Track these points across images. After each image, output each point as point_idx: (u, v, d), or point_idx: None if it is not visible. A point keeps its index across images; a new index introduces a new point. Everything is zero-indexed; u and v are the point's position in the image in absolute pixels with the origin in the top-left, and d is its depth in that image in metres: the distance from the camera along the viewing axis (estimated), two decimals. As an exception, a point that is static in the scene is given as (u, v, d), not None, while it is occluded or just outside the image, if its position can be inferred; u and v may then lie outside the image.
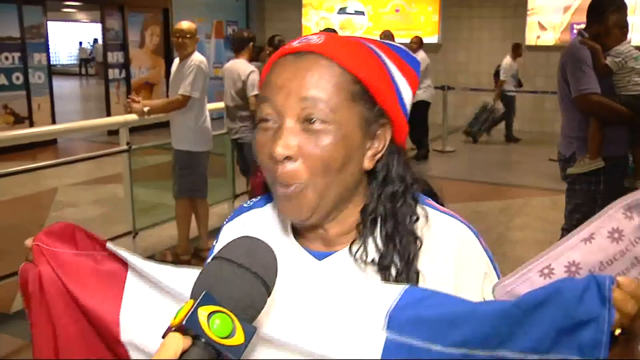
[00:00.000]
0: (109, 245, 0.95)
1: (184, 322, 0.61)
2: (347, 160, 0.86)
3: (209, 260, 0.71)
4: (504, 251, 4.84)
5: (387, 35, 8.30)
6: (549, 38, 11.16)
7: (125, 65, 10.96)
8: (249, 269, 0.68)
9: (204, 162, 4.62)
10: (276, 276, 0.71)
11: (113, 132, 6.73)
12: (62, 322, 0.94)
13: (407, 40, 8.66)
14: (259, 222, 1.01)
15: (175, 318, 0.63)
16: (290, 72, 0.86)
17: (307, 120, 0.84)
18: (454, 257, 0.91)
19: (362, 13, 12.61)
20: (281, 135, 0.84)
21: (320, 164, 0.84)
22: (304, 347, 0.78)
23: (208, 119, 4.64)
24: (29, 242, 0.95)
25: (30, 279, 0.94)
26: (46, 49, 9.68)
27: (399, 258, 0.89)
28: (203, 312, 0.62)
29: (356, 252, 0.90)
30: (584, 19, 3.40)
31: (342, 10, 12.77)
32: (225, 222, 1.06)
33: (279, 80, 0.86)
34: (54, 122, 9.44)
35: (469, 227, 0.95)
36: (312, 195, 0.86)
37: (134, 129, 4.87)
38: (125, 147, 4.61)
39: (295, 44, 0.90)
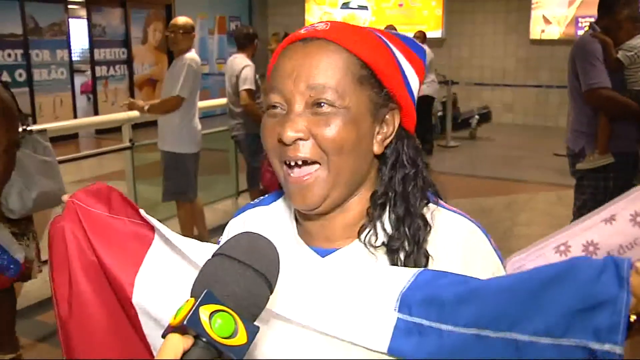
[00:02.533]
0: (142, 211, 0.97)
1: (184, 322, 0.59)
2: (357, 142, 0.86)
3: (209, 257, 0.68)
4: (510, 246, 4.79)
5: (391, 29, 8.26)
6: (554, 32, 11.08)
7: (128, 62, 10.93)
8: (251, 266, 0.66)
9: (190, 164, 4.43)
10: (278, 273, 0.69)
11: (101, 132, 6.73)
12: (78, 278, 0.98)
13: (411, 35, 8.60)
14: (263, 219, 1.01)
15: (175, 317, 0.61)
16: (297, 58, 0.86)
17: (316, 105, 0.84)
18: (461, 256, 0.89)
19: (365, 8, 12.55)
20: (289, 118, 0.84)
21: (332, 144, 0.84)
22: (316, 328, 0.78)
23: (196, 119, 4.46)
24: (65, 197, 0.99)
25: (54, 231, 0.98)
26: (67, 45, 9.78)
27: (408, 242, 0.88)
28: (204, 312, 0.60)
29: (366, 236, 0.90)
30: (590, 12, 3.37)
31: (345, 5, 12.71)
32: (232, 218, 1.07)
33: (286, 68, 0.86)
34: (75, 116, 9.58)
35: (477, 225, 0.93)
36: (325, 181, 0.86)
37: (135, 125, 4.83)
38: (128, 144, 4.58)
39: (302, 31, 0.90)
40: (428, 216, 0.91)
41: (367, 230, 0.90)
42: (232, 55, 5.20)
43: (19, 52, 9.04)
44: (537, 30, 11.17)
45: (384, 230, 0.90)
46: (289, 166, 0.87)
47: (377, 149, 0.90)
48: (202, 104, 5.26)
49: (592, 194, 3.26)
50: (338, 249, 0.92)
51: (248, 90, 4.74)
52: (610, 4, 3.19)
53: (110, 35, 10.65)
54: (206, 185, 5.54)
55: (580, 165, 3.25)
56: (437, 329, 0.74)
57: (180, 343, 0.59)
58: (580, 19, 10.55)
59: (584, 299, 0.67)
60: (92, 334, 0.99)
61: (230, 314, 0.61)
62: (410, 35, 8.57)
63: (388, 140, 0.92)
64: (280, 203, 1.01)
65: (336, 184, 0.87)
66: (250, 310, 0.65)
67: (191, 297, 0.63)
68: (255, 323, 0.65)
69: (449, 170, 7.19)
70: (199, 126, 4.48)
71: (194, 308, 0.60)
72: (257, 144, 4.82)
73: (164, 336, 0.61)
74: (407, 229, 0.89)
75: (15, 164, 2.83)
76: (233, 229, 1.04)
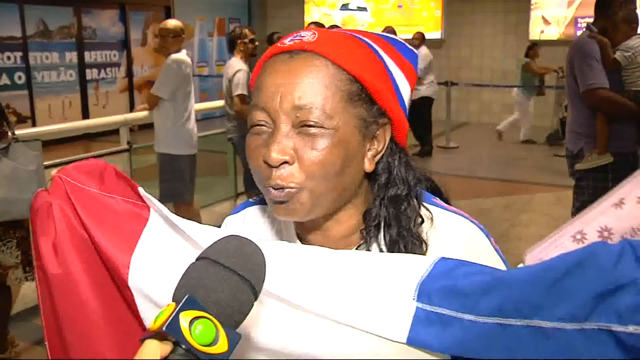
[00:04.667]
0: (141, 189, 0.93)
1: (164, 328, 0.56)
2: (345, 163, 0.82)
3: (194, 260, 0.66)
4: (509, 248, 4.78)
5: (390, 31, 8.24)
6: (553, 32, 11.08)
7: (128, 64, 10.93)
8: (236, 272, 0.63)
9: (186, 166, 4.42)
10: (264, 279, 0.66)
11: (101, 134, 6.74)
12: (67, 257, 0.92)
13: (410, 36, 8.60)
14: (262, 219, 0.99)
15: (155, 322, 0.58)
16: (283, 75, 0.81)
17: (303, 125, 0.80)
18: (463, 257, 0.87)
19: (365, 9, 12.55)
20: (276, 139, 0.80)
21: (317, 167, 0.80)
22: (332, 317, 0.76)
23: (191, 121, 4.43)
24: (53, 172, 0.94)
25: (39, 207, 0.92)
26: (77, 47, 9.83)
27: None
28: (185, 318, 0.57)
29: None
30: (589, 12, 3.37)
31: (344, 7, 12.71)
32: (229, 214, 1.04)
33: (271, 85, 0.82)
34: (85, 118, 9.62)
35: (478, 226, 0.92)
36: (307, 199, 0.82)
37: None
38: (126, 146, 4.57)
39: (287, 41, 0.85)
40: (424, 235, 0.88)
41: (362, 251, 0.88)
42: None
43: (23, 54, 9.06)
44: (537, 30, 11.17)
45: (380, 251, 0.88)
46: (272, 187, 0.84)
47: (368, 166, 0.87)
48: (200, 106, 5.27)
49: (591, 194, 3.25)
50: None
51: (240, 96, 4.72)
52: (606, 4, 3.19)
53: (107, 37, 10.65)
54: (204, 187, 5.54)
55: (579, 166, 3.24)
56: (459, 318, 0.72)
57: (157, 349, 0.56)
58: (579, 20, 10.55)
59: (605, 282, 0.68)
60: (84, 316, 0.93)
61: (212, 321, 0.59)
62: (409, 36, 8.58)
63: (379, 156, 0.88)
64: (257, 209, 0.99)
65: (319, 203, 0.83)
66: (234, 317, 0.62)
67: (173, 301, 0.60)
68: (265, 312, 0.63)
69: (449, 171, 7.18)
70: (195, 128, 4.47)
71: (174, 313, 0.57)
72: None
73: (142, 340, 0.58)
74: (402, 251, 0.87)
75: None
76: (232, 225, 1.02)
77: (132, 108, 9.42)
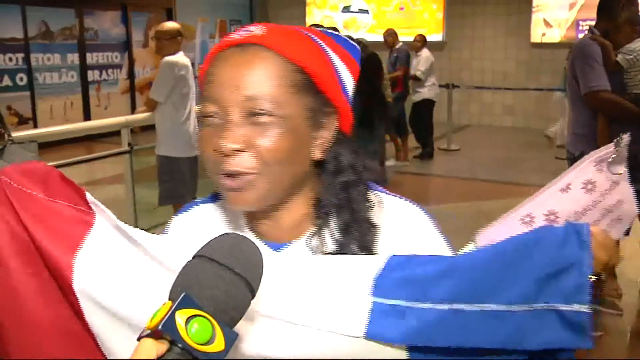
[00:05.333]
0: (88, 195, 0.91)
1: (159, 327, 0.56)
2: (296, 151, 0.85)
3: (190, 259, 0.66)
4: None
5: (391, 33, 8.25)
6: (555, 35, 11.07)
7: (130, 65, 10.94)
8: (232, 269, 0.63)
9: (185, 168, 4.40)
10: (261, 277, 0.66)
11: (103, 135, 6.76)
12: (7, 259, 0.88)
13: (411, 39, 8.60)
14: (211, 216, 1.00)
15: (151, 321, 0.58)
16: (232, 67, 0.84)
17: (254, 115, 0.83)
18: (409, 239, 0.92)
19: (366, 11, 12.56)
20: (228, 129, 0.82)
21: (270, 154, 0.83)
22: (288, 320, 0.77)
23: (190, 122, 4.41)
24: None
25: None
26: (79, 49, 9.85)
27: (358, 247, 0.89)
28: (181, 316, 0.57)
29: (313, 245, 0.90)
30: (590, 15, 3.37)
31: (346, 9, 12.72)
32: (175, 215, 1.05)
33: (221, 77, 0.84)
34: (87, 118, 9.62)
35: (424, 211, 0.96)
36: (262, 185, 0.84)
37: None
38: (127, 147, 4.57)
39: (235, 35, 0.87)
40: (374, 219, 0.92)
41: (314, 238, 0.91)
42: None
43: (25, 55, 9.07)
44: (538, 33, 11.16)
45: (333, 237, 0.91)
46: (226, 175, 0.85)
47: (317, 154, 0.90)
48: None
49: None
50: (290, 243, 0.92)
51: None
52: (609, 7, 3.19)
53: (107, 38, 10.66)
54: (208, 188, 5.53)
55: (580, 169, 3.23)
56: (414, 308, 0.75)
57: (153, 348, 0.56)
58: (580, 22, 10.54)
59: (552, 265, 0.72)
60: (26, 320, 0.90)
61: (208, 319, 0.58)
62: (411, 38, 8.57)
63: (327, 145, 0.91)
64: (215, 206, 1.01)
65: (272, 190, 0.86)
66: (230, 315, 0.62)
67: (169, 299, 0.60)
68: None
69: (450, 173, 7.18)
70: (195, 129, 4.46)
71: (170, 312, 0.57)
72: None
73: (138, 339, 0.58)
74: (355, 235, 0.90)
75: None
76: (179, 225, 1.02)
77: (133, 109, 9.44)
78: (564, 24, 11.00)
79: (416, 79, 8.09)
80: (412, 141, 8.36)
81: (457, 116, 10.32)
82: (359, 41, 6.34)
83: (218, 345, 0.58)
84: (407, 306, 0.75)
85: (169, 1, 11.39)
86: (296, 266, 0.84)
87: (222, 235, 0.68)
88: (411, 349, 0.77)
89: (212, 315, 0.59)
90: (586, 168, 0.97)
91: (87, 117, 9.90)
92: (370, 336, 0.76)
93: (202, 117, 0.86)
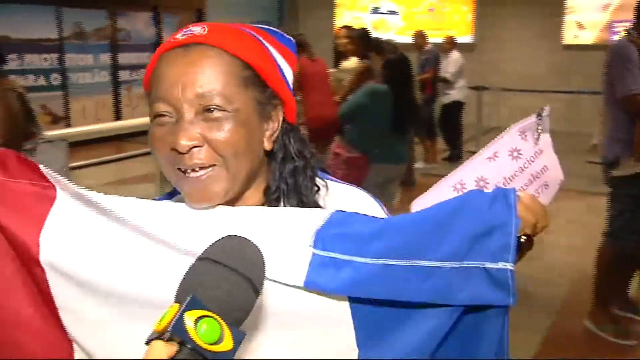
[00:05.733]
0: (42, 167, 0.93)
1: (169, 329, 0.57)
2: (249, 142, 0.89)
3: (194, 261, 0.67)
4: (539, 256, 4.71)
5: (420, 35, 8.20)
6: (588, 37, 10.89)
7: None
8: (237, 270, 0.64)
9: None
10: (264, 277, 0.68)
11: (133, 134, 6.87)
12: None
13: (440, 40, 8.54)
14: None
15: (159, 323, 0.59)
16: (180, 66, 0.86)
17: (206, 111, 0.85)
18: None
19: (395, 12, 12.51)
20: (182, 126, 0.84)
21: (225, 147, 0.86)
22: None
23: None
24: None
25: None
26: (111, 49, 10.00)
27: None
28: (190, 317, 0.58)
29: None
30: (625, 17, 3.31)
31: (375, 10, 12.69)
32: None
33: (170, 76, 0.86)
34: (118, 118, 9.78)
35: (372, 196, 1.01)
36: (224, 179, 0.87)
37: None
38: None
39: (179, 36, 0.89)
40: (321, 202, 0.97)
41: None
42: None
43: (60, 55, 9.25)
44: (570, 35, 11.00)
45: None
46: (184, 172, 0.87)
47: (267, 144, 0.94)
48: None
49: (628, 202, 3.18)
50: None
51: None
52: (646, 9, 3.12)
53: (139, 39, 10.79)
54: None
55: (616, 172, 3.17)
56: (350, 261, 0.80)
57: (164, 350, 0.58)
58: (615, 24, 10.35)
59: (480, 225, 0.78)
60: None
61: (216, 320, 0.60)
62: (440, 40, 8.51)
63: (275, 136, 0.95)
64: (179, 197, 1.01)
65: (233, 183, 0.88)
66: (236, 315, 0.64)
67: (175, 302, 0.61)
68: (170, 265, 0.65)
69: (478, 176, 7.08)
70: None
71: (179, 314, 0.58)
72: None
73: (147, 342, 0.59)
74: None
75: None
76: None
77: (163, 109, 9.52)
78: (598, 26, 10.81)
79: (445, 81, 8.03)
80: (440, 143, 8.30)
81: (487, 118, 10.21)
82: (388, 42, 6.30)
83: (226, 344, 0.60)
84: (343, 259, 0.80)
85: (199, 3, 11.50)
86: (243, 215, 0.87)
87: (224, 237, 0.69)
88: (352, 300, 0.83)
89: (219, 316, 0.60)
90: (512, 137, 1.03)
91: (117, 116, 10.05)
92: (308, 285, 0.80)
93: (154, 116, 0.88)
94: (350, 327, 0.84)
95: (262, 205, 0.95)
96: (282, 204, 0.95)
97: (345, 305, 0.83)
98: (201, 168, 0.86)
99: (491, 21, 11.62)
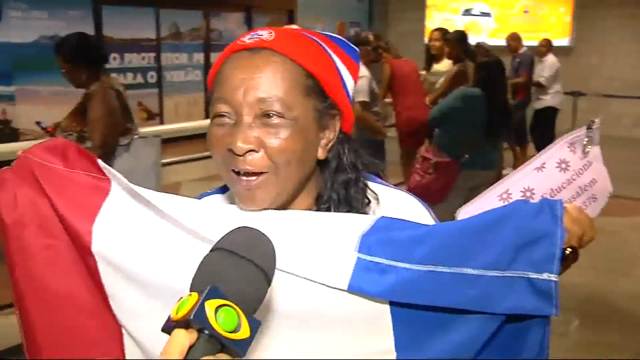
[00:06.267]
0: (100, 161, 0.98)
1: (191, 317, 0.60)
2: (304, 151, 0.90)
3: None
4: (625, 270, 4.46)
5: (515, 37, 7.94)
6: (698, 41, 10.19)
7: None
8: (252, 261, 0.66)
9: None
10: (275, 267, 0.70)
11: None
12: (28, 231, 0.97)
13: (535, 43, 8.23)
14: (220, 204, 1.04)
15: (177, 312, 0.61)
16: (245, 69, 0.88)
17: (265, 116, 0.87)
18: None
19: (488, 14, 12.19)
20: (240, 129, 0.86)
21: (281, 154, 0.87)
22: (279, 266, 0.80)
23: None
24: (19, 152, 0.99)
25: (1, 184, 0.98)
26: (204, 49, 10.33)
27: None
28: (209, 306, 0.61)
29: None
30: None
31: (466, 12, 12.42)
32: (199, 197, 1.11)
33: (234, 79, 0.88)
34: (208, 116, 10.05)
35: (419, 200, 1.02)
36: (274, 185, 0.89)
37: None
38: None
39: (246, 39, 0.91)
40: (370, 213, 0.97)
41: None
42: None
43: (156, 54, 9.64)
44: (678, 39, 10.33)
45: None
46: (237, 173, 0.89)
47: (321, 154, 0.95)
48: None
49: None
50: None
51: (361, 103, 4.76)
52: None
53: (231, 39, 11.06)
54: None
55: None
56: (395, 267, 0.80)
57: (186, 339, 0.60)
58: None
59: (524, 235, 0.78)
60: (41, 290, 0.98)
61: (234, 309, 0.62)
62: (535, 43, 8.20)
63: (330, 145, 0.96)
64: (222, 197, 1.06)
65: (284, 189, 0.90)
66: (251, 305, 0.66)
67: (191, 291, 0.63)
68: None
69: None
70: None
71: (199, 303, 0.60)
72: (373, 150, 4.81)
73: (164, 330, 0.62)
74: None
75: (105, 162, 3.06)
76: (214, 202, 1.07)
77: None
78: None
79: (539, 85, 7.74)
80: (531, 150, 8.02)
81: (582, 126, 9.78)
82: (480, 45, 6.15)
83: (244, 332, 0.62)
84: (388, 265, 0.80)
85: (290, 4, 11.66)
86: (289, 218, 0.89)
87: (237, 228, 0.71)
88: (393, 304, 0.83)
89: (237, 305, 0.62)
90: (560, 148, 1.03)
91: (208, 114, 10.34)
92: (352, 289, 0.81)
93: (214, 116, 0.91)
94: (390, 331, 0.85)
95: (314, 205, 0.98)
96: (351, 195, 0.97)
97: (385, 309, 0.84)
98: (253, 174, 0.88)
99: (591, 23, 11.09)
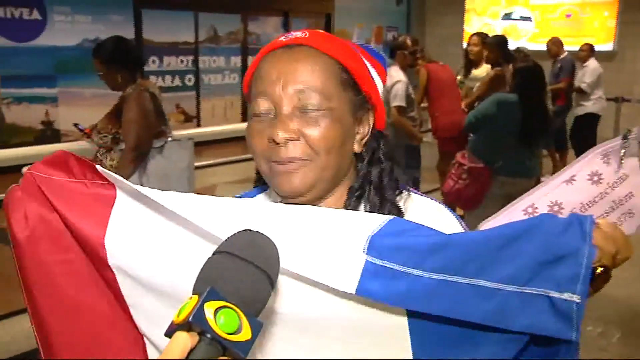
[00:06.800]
0: (99, 167, 0.97)
1: (190, 319, 0.59)
2: (343, 141, 0.92)
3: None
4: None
5: (555, 42, 7.79)
6: None
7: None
8: (253, 263, 0.66)
9: None
10: (278, 270, 0.70)
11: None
12: (42, 248, 0.96)
13: (577, 48, 8.04)
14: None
15: (179, 315, 0.61)
16: (283, 64, 0.91)
17: (304, 107, 0.90)
18: None
19: (529, 19, 11.99)
20: (280, 119, 0.89)
21: (321, 142, 0.90)
22: (283, 267, 0.79)
23: None
24: (25, 169, 1.00)
25: (10, 202, 0.97)
26: (242, 52, 10.45)
27: None
28: (209, 308, 0.60)
29: None
30: None
31: (506, 16, 12.23)
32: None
33: (273, 73, 0.91)
34: (245, 119, 10.21)
35: (450, 210, 1.00)
36: (313, 172, 0.91)
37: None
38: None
39: (282, 39, 0.95)
40: (401, 204, 0.97)
41: None
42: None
43: (195, 58, 9.77)
44: None
45: None
46: (278, 163, 0.91)
47: (357, 147, 0.97)
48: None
49: None
50: None
51: (398, 107, 4.72)
52: None
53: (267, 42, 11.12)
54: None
55: None
56: (406, 273, 0.77)
57: (187, 341, 0.59)
58: None
59: (549, 251, 0.73)
60: (61, 302, 0.98)
61: (234, 310, 0.61)
62: (576, 48, 8.02)
63: (365, 139, 0.98)
64: (263, 195, 1.07)
65: (322, 178, 0.92)
66: (254, 306, 0.65)
67: (194, 294, 0.63)
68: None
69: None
70: None
71: (198, 305, 0.60)
72: (409, 154, 4.78)
73: (167, 334, 0.61)
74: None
75: (139, 164, 3.09)
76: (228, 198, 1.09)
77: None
78: None
79: (580, 91, 7.56)
80: (571, 157, 7.84)
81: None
82: (519, 50, 6.03)
83: (245, 334, 0.61)
84: (399, 270, 0.77)
85: (328, 8, 11.68)
86: (297, 214, 0.88)
87: (240, 231, 0.71)
88: (410, 315, 0.80)
89: (238, 307, 0.62)
90: (592, 160, 0.97)
91: (244, 118, 10.43)
92: (360, 293, 0.78)
93: (254, 113, 0.93)
94: (407, 343, 0.83)
95: (345, 202, 0.97)
96: (363, 202, 0.97)
97: (403, 321, 0.82)
98: (294, 161, 0.90)
99: (635, 28, 10.80)
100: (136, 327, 0.99)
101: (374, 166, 0.99)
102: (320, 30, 1.00)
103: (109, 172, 0.97)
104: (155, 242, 0.93)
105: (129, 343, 0.99)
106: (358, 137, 0.97)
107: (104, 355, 0.99)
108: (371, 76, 1.00)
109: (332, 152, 0.91)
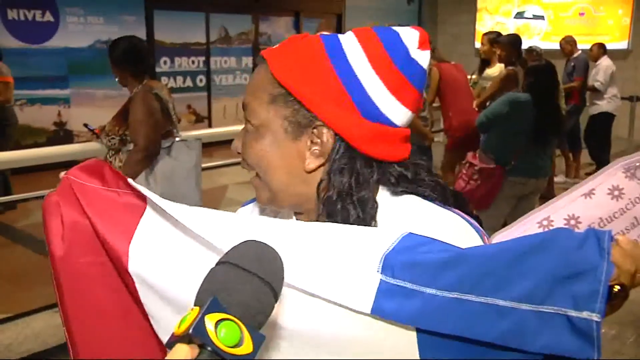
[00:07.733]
0: (130, 180, 1.01)
1: (190, 331, 0.58)
2: (278, 159, 0.91)
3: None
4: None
5: (569, 40, 7.71)
6: None
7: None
8: (256, 274, 0.65)
9: None
10: (283, 282, 0.69)
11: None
12: (74, 250, 1.01)
13: (587, 47, 7.95)
14: (267, 209, 1.06)
15: (179, 326, 0.60)
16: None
17: (246, 122, 0.93)
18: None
19: (542, 17, 11.89)
20: (239, 133, 0.96)
21: (248, 158, 0.93)
22: (299, 285, 0.79)
23: None
24: (62, 174, 1.04)
25: (48, 205, 1.03)
26: (253, 53, 10.46)
27: None
28: (210, 320, 0.59)
29: None
30: None
31: (519, 15, 12.15)
32: (241, 206, 1.14)
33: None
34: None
35: (471, 224, 0.91)
36: (262, 187, 0.94)
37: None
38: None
39: (273, 46, 0.95)
40: (378, 216, 0.90)
41: None
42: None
43: (206, 58, 9.80)
44: None
45: None
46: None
47: (310, 164, 0.90)
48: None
49: None
50: None
51: None
52: None
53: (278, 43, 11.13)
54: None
55: None
56: (420, 291, 0.75)
57: (188, 353, 0.58)
58: None
59: (565, 267, 0.70)
60: (91, 305, 1.03)
61: (236, 323, 0.60)
62: (588, 47, 7.92)
63: (322, 159, 0.90)
64: (252, 206, 1.09)
65: (276, 192, 0.93)
66: (256, 319, 0.64)
67: (195, 305, 0.62)
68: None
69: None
70: None
71: (199, 316, 0.59)
72: (420, 155, 4.73)
73: (168, 346, 0.60)
74: None
75: (147, 165, 3.08)
76: (242, 214, 1.11)
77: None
78: None
79: (594, 90, 7.49)
80: (585, 157, 7.76)
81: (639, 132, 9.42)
82: (531, 49, 5.97)
83: (247, 347, 0.60)
84: (413, 289, 0.75)
85: (339, 8, 11.66)
86: (312, 231, 0.86)
87: (244, 242, 0.70)
88: (420, 332, 0.78)
89: (239, 319, 0.61)
90: (613, 174, 0.94)
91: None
92: (375, 313, 0.77)
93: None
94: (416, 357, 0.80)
95: (319, 212, 0.93)
96: (337, 209, 0.90)
97: (412, 337, 0.79)
98: (252, 172, 0.95)
99: (651, 26, 10.68)
100: (157, 335, 1.01)
101: (343, 178, 0.90)
102: (297, 38, 0.93)
103: (137, 185, 1.00)
104: (176, 255, 0.95)
105: (153, 347, 1.03)
106: (308, 153, 0.90)
107: (131, 356, 1.03)
108: (346, 91, 0.87)
109: (265, 168, 0.92)
